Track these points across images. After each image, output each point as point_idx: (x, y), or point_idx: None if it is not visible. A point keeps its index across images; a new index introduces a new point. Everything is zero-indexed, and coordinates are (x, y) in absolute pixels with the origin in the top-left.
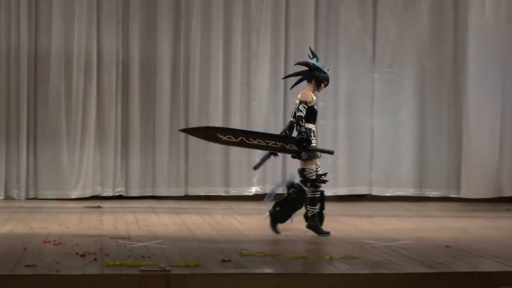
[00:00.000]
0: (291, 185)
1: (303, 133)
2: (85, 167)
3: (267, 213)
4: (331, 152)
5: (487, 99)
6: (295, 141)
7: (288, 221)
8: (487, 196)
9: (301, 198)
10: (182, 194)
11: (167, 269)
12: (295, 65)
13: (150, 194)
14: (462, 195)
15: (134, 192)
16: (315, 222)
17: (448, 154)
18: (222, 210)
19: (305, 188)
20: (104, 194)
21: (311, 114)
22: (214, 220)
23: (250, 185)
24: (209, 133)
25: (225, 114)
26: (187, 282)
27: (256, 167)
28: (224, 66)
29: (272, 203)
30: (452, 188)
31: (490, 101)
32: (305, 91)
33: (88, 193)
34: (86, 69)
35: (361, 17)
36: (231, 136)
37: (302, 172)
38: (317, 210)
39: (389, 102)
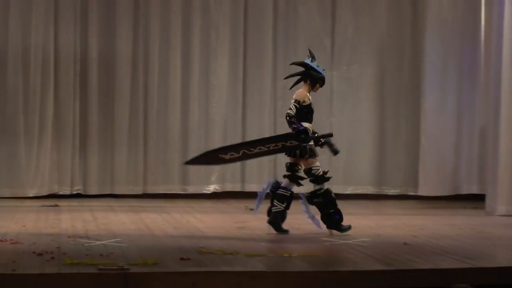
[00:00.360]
0: (311, 197)
1: (296, 126)
2: (42, 165)
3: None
4: (330, 135)
5: (444, 97)
6: (293, 135)
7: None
8: (445, 194)
9: (327, 193)
10: (141, 192)
11: (126, 267)
12: (290, 65)
13: (108, 192)
14: (419, 193)
15: (92, 191)
16: (276, 219)
17: (406, 152)
18: (181, 208)
19: (318, 186)
20: (62, 193)
21: (307, 113)
22: (173, 218)
23: (208, 183)
24: (210, 157)
25: (184, 111)
26: (146, 280)
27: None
28: (183, 64)
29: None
30: (410, 186)
31: (447, 99)
32: (300, 91)
33: (45, 192)
34: (44, 65)
35: (320, 15)
36: (233, 153)
37: (309, 171)
38: (282, 208)
39: (348, 100)
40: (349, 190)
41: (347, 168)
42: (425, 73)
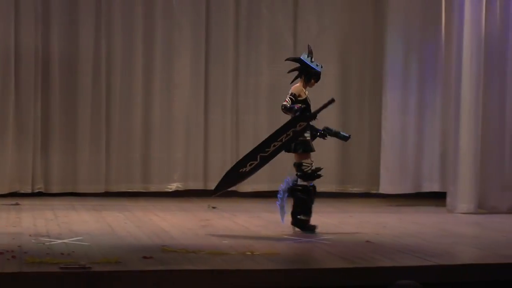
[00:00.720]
0: (293, 189)
1: (297, 109)
2: (3, 163)
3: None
4: (332, 101)
5: (406, 96)
6: (298, 118)
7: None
8: (407, 192)
9: (308, 192)
10: (103, 191)
11: (88, 266)
12: (285, 60)
13: (70, 191)
14: (382, 191)
15: (54, 189)
16: (299, 219)
17: (369, 151)
18: (143, 207)
19: (304, 183)
20: (23, 191)
21: (304, 108)
22: (135, 217)
23: (170, 181)
24: (232, 176)
25: (146, 110)
26: (108, 279)
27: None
28: (145, 63)
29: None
30: (372, 184)
31: (409, 98)
32: (296, 85)
33: (6, 190)
34: (4, 64)
35: (283, 14)
36: (251, 162)
37: (299, 166)
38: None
39: (311, 98)
40: None
41: None
42: (387, 72)
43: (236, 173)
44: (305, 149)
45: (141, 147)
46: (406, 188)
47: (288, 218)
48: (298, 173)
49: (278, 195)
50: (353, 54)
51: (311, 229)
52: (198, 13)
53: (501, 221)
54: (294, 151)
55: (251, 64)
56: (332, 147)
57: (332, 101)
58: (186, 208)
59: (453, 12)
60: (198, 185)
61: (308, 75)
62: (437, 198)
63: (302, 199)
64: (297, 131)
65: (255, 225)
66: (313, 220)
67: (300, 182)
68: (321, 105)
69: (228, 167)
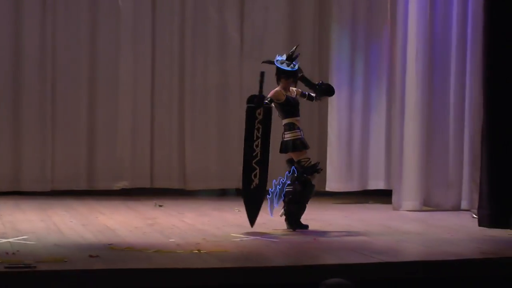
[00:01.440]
0: (295, 179)
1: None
2: None
3: (282, 211)
4: (262, 74)
5: (352, 94)
6: (250, 108)
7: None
8: (353, 190)
9: (309, 187)
10: (49, 190)
11: (33, 265)
12: (262, 63)
13: (15, 189)
14: (327, 189)
15: None
16: (291, 216)
17: (316, 149)
18: (89, 205)
19: (307, 176)
20: None
21: (291, 108)
22: (81, 215)
23: (117, 180)
24: (252, 198)
25: (92, 108)
26: (54, 278)
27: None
28: (91, 62)
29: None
30: (319, 182)
31: (355, 96)
32: (273, 91)
33: None
34: None
35: (228, 11)
36: (253, 172)
37: (299, 163)
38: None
39: None
40: None
41: None
42: (333, 70)
43: (252, 192)
44: (301, 147)
45: (87, 146)
46: (353, 186)
47: (277, 212)
48: (300, 170)
49: (271, 190)
50: (300, 50)
51: (303, 226)
52: (143, 11)
53: (445, 218)
54: (293, 150)
55: (197, 62)
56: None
57: (262, 74)
58: (133, 206)
59: (398, 11)
60: (144, 184)
61: (284, 76)
62: (383, 195)
63: (301, 192)
64: (262, 119)
65: (202, 223)
66: (258, 218)
67: (302, 176)
68: (258, 84)
69: (174, 165)
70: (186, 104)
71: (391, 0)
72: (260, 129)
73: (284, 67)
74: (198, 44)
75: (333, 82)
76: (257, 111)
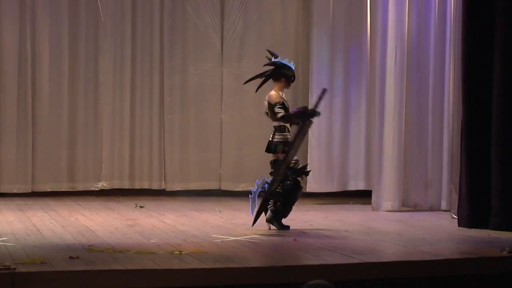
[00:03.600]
0: (285, 179)
1: (298, 111)
2: None
3: (269, 213)
4: (325, 91)
5: (332, 96)
6: (307, 116)
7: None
8: (333, 190)
9: (298, 189)
10: (29, 191)
11: (12, 267)
12: (264, 66)
13: None
14: (308, 190)
15: None
16: (273, 217)
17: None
18: (69, 206)
19: (299, 178)
20: None
21: (284, 110)
22: (61, 217)
23: (96, 180)
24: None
25: (72, 109)
26: (33, 280)
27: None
28: (71, 61)
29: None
30: None
31: (335, 98)
32: (271, 94)
33: None
34: None
35: (208, 12)
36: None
37: (288, 165)
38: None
39: (238, 97)
40: (240, 187)
41: (237, 165)
42: (313, 72)
43: (272, 193)
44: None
45: (67, 146)
46: (333, 186)
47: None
48: (289, 172)
49: (253, 189)
50: (280, 53)
51: (285, 227)
52: (123, 11)
53: (424, 218)
54: (282, 152)
55: (177, 63)
56: (258, 145)
57: (324, 91)
58: (113, 207)
59: (377, 13)
60: (124, 184)
61: (288, 76)
62: (363, 196)
63: (289, 192)
64: (305, 129)
65: (182, 224)
66: (239, 219)
67: (295, 178)
68: (316, 99)
69: (155, 165)
70: (165, 105)
71: (371, 4)
72: (300, 141)
73: (293, 67)
74: (177, 44)
75: (313, 83)
76: (311, 119)
